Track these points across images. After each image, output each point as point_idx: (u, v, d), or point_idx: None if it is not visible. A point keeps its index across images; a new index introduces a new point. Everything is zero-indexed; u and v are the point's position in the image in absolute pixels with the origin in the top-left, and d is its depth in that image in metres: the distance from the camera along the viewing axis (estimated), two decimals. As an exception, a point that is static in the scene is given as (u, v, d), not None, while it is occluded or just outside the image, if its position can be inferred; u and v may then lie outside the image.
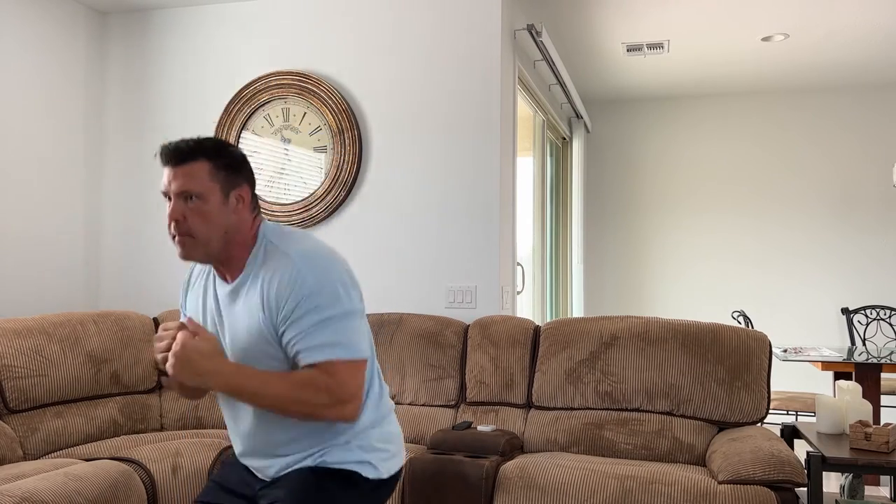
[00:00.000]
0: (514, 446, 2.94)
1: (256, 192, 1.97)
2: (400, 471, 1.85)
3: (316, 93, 3.81)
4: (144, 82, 4.15)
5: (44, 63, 3.84)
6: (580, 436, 3.07)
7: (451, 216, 3.66)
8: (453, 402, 3.29)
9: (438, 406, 3.29)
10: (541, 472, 2.64)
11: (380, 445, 1.79)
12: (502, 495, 2.63)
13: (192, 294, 1.88)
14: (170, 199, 1.69)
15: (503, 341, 3.27)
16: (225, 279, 1.78)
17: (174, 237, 1.69)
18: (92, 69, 4.15)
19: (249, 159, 1.93)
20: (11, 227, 3.67)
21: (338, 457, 1.73)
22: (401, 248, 3.73)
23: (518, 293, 4.26)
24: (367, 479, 1.75)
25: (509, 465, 2.71)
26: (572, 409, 3.15)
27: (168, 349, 1.62)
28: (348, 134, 3.77)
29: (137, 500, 2.62)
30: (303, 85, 3.83)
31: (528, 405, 3.23)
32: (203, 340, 1.61)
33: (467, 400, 3.27)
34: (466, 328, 3.38)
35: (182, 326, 1.63)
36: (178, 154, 1.67)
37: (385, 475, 1.78)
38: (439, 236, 3.68)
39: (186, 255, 1.70)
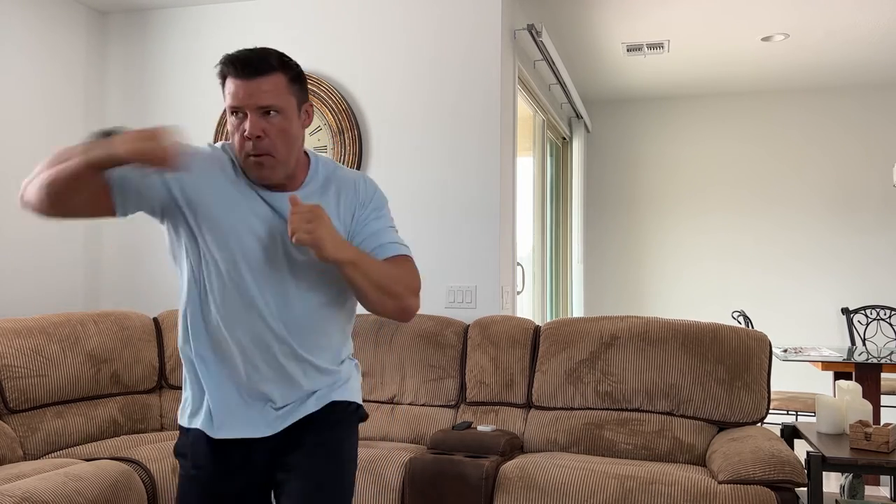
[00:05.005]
0: (514, 446, 2.94)
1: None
2: None
3: (316, 93, 3.81)
4: (144, 82, 4.15)
5: (44, 63, 3.84)
6: (580, 436, 3.06)
7: (451, 216, 3.66)
8: (453, 402, 3.29)
9: (438, 406, 3.29)
10: (541, 472, 2.64)
11: (357, 371, 1.89)
12: (502, 495, 2.63)
13: (206, 179, 1.66)
14: (238, 114, 1.58)
15: (503, 341, 3.27)
16: (270, 188, 1.67)
17: (248, 156, 1.58)
18: (92, 69, 4.15)
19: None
20: (11, 227, 3.67)
21: (340, 392, 1.79)
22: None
23: (518, 293, 4.26)
24: (358, 407, 1.83)
25: (509, 465, 2.71)
26: (572, 409, 3.15)
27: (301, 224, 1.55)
28: (348, 134, 3.77)
29: (137, 500, 2.62)
30: (303, 85, 3.83)
31: (528, 405, 3.23)
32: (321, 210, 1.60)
33: (467, 400, 3.27)
34: (466, 328, 3.38)
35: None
36: (256, 65, 1.56)
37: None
38: (439, 236, 3.68)
39: (265, 176, 1.60)
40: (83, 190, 1.54)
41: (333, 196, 1.73)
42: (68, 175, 1.50)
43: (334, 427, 1.76)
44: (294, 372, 1.72)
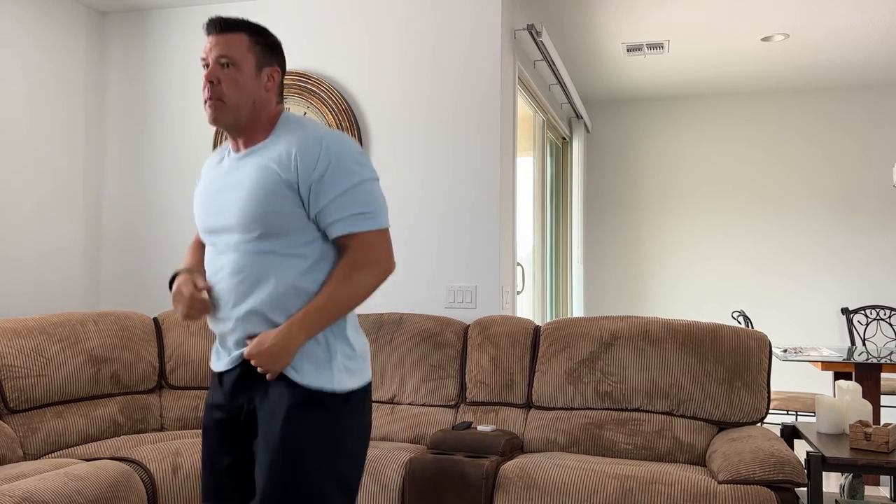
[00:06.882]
0: (514, 446, 2.94)
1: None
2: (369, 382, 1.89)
3: (316, 93, 3.81)
4: (144, 82, 4.15)
5: (44, 63, 3.84)
6: (580, 436, 3.07)
7: (451, 216, 3.66)
8: (453, 402, 3.29)
9: (438, 406, 3.29)
10: (541, 472, 2.64)
11: (353, 344, 1.83)
12: (502, 495, 2.63)
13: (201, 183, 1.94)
14: (207, 66, 1.78)
15: (503, 341, 3.27)
16: (237, 150, 1.85)
17: (206, 101, 1.78)
18: (92, 69, 4.15)
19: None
20: (11, 227, 3.67)
21: (311, 375, 1.75)
22: (401, 248, 3.73)
23: (518, 293, 4.26)
24: (338, 394, 1.77)
25: (509, 465, 2.71)
26: (572, 409, 3.15)
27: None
28: (348, 134, 3.76)
29: (137, 500, 2.62)
30: (303, 85, 3.83)
31: (528, 405, 3.23)
32: (271, 335, 1.72)
33: (467, 400, 3.27)
34: (466, 328, 3.38)
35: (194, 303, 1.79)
36: (222, 23, 1.77)
37: (357, 385, 1.80)
38: (439, 236, 3.68)
39: (216, 117, 1.77)
40: None
41: (280, 148, 1.76)
42: None
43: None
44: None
